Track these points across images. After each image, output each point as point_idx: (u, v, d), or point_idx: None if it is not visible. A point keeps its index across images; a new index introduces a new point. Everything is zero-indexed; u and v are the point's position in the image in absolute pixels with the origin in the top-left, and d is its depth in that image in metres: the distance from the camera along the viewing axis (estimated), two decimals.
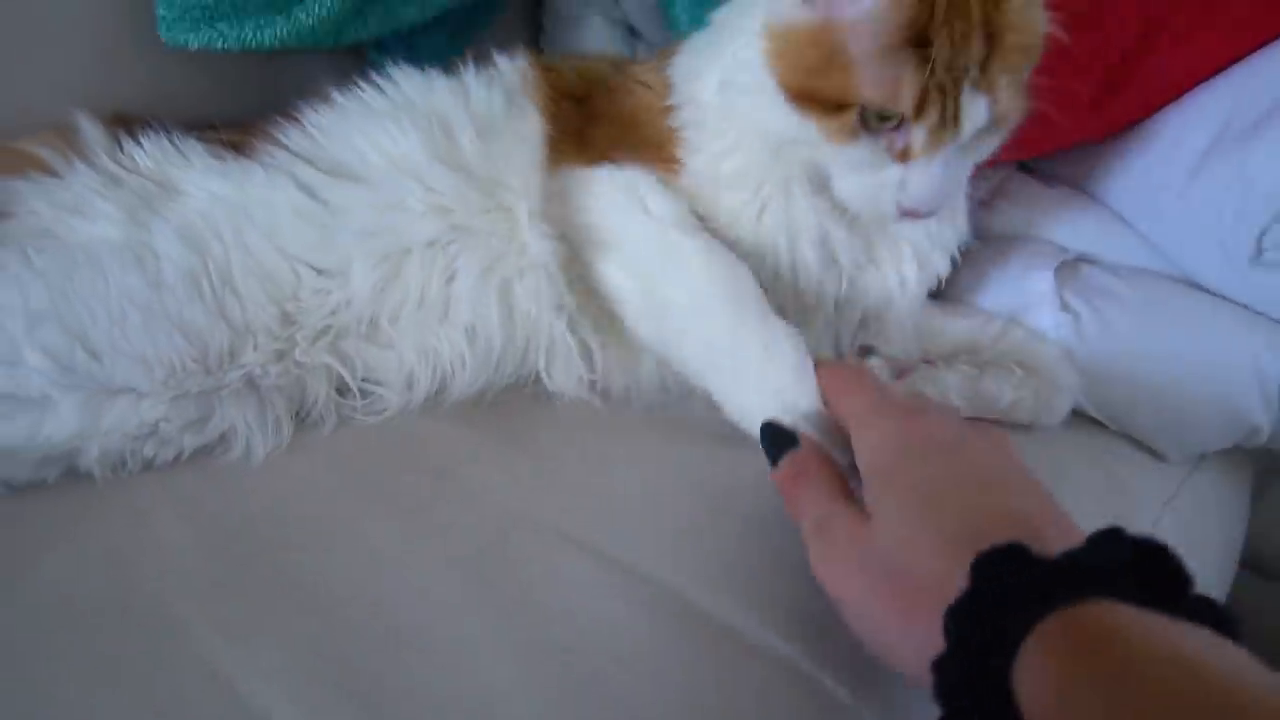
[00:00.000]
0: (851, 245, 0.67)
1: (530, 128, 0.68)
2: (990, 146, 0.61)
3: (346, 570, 0.51)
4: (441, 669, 0.45)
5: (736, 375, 0.60)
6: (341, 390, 0.65)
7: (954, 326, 0.72)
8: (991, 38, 0.56)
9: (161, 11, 0.71)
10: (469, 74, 0.71)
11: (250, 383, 0.61)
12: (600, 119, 0.69)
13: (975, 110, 0.57)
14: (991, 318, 0.73)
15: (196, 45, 0.71)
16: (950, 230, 0.70)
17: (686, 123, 0.66)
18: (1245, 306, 0.73)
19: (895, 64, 0.55)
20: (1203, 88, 0.75)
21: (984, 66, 0.56)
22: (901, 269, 0.69)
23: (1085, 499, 0.67)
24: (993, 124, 0.59)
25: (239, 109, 0.77)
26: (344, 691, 0.44)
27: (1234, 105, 0.72)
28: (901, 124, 0.57)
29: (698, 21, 0.91)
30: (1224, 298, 0.74)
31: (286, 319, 0.62)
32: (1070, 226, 0.79)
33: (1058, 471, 0.67)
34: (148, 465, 0.59)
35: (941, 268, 0.71)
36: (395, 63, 0.85)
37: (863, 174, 0.60)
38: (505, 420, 0.65)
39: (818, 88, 0.58)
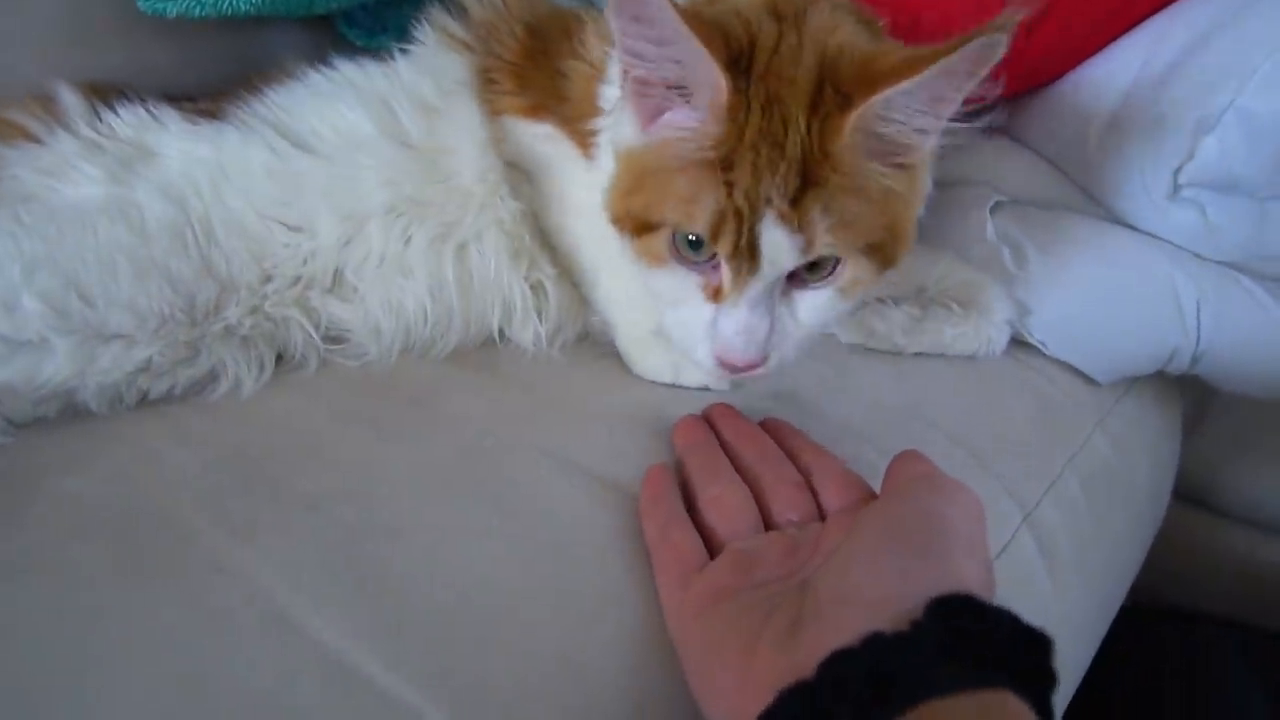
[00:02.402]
0: None
1: (466, 104, 0.70)
2: (824, 309, 0.57)
3: (336, 477, 0.55)
4: (429, 556, 0.50)
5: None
6: (323, 337, 0.68)
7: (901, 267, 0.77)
8: (808, 175, 0.52)
9: None
10: (398, 58, 0.73)
11: (229, 330, 0.65)
12: (547, 61, 0.71)
13: (775, 244, 0.52)
14: (936, 258, 0.78)
15: (175, 13, 0.74)
16: None
17: (603, 132, 0.65)
18: (1164, 240, 0.79)
19: (696, 184, 0.53)
20: (1120, 41, 0.81)
21: (795, 201, 0.52)
22: None
23: (1020, 420, 0.73)
24: (830, 260, 0.55)
25: (214, 79, 0.80)
26: (343, 577, 0.48)
27: (1150, 51, 0.78)
28: (715, 257, 0.55)
29: None
30: (1145, 232, 0.80)
31: (264, 275, 0.66)
32: (1006, 171, 0.85)
33: (994, 395, 0.74)
34: (143, 398, 0.62)
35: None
36: (366, 34, 0.90)
37: (679, 310, 0.58)
38: (478, 358, 0.70)
39: (630, 208, 0.57)
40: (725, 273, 0.54)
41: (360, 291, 0.68)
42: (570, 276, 0.71)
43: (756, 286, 0.54)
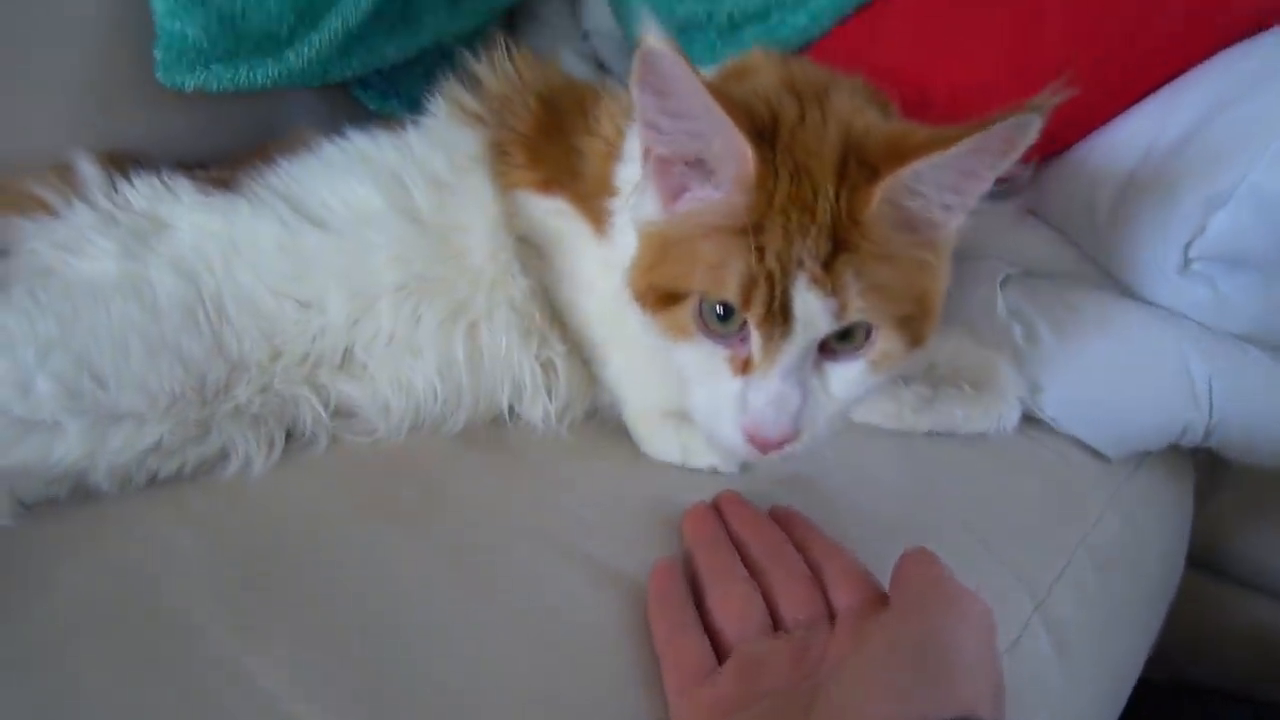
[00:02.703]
0: None
1: (479, 180, 0.70)
2: (856, 381, 0.55)
3: (347, 572, 0.55)
4: (435, 658, 0.50)
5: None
6: (332, 413, 0.68)
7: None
8: (839, 240, 0.51)
9: (159, 55, 0.74)
10: (410, 130, 0.74)
11: (239, 408, 0.65)
12: (561, 136, 0.71)
13: (809, 307, 0.51)
14: (946, 334, 0.78)
15: (192, 86, 0.75)
16: None
17: (618, 212, 0.65)
18: (1175, 313, 0.79)
19: (724, 249, 0.52)
20: (1131, 111, 0.81)
21: (827, 265, 0.51)
22: None
23: (1032, 500, 0.73)
24: (862, 330, 0.54)
25: (230, 145, 0.81)
26: (349, 684, 0.48)
27: (1160, 122, 0.78)
28: (744, 328, 0.54)
29: None
30: (1156, 305, 0.80)
31: (275, 352, 0.66)
32: (1015, 242, 0.85)
33: (1005, 476, 0.73)
34: (153, 478, 0.62)
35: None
36: (379, 97, 0.90)
37: (704, 386, 0.56)
38: (487, 436, 0.70)
39: (654, 281, 0.56)
40: (755, 341, 0.53)
41: (370, 370, 0.68)
42: (580, 354, 0.72)
43: (790, 354, 0.53)
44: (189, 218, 0.68)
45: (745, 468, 0.67)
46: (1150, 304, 0.80)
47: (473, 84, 0.76)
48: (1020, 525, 0.69)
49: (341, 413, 0.68)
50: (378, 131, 0.74)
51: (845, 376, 0.56)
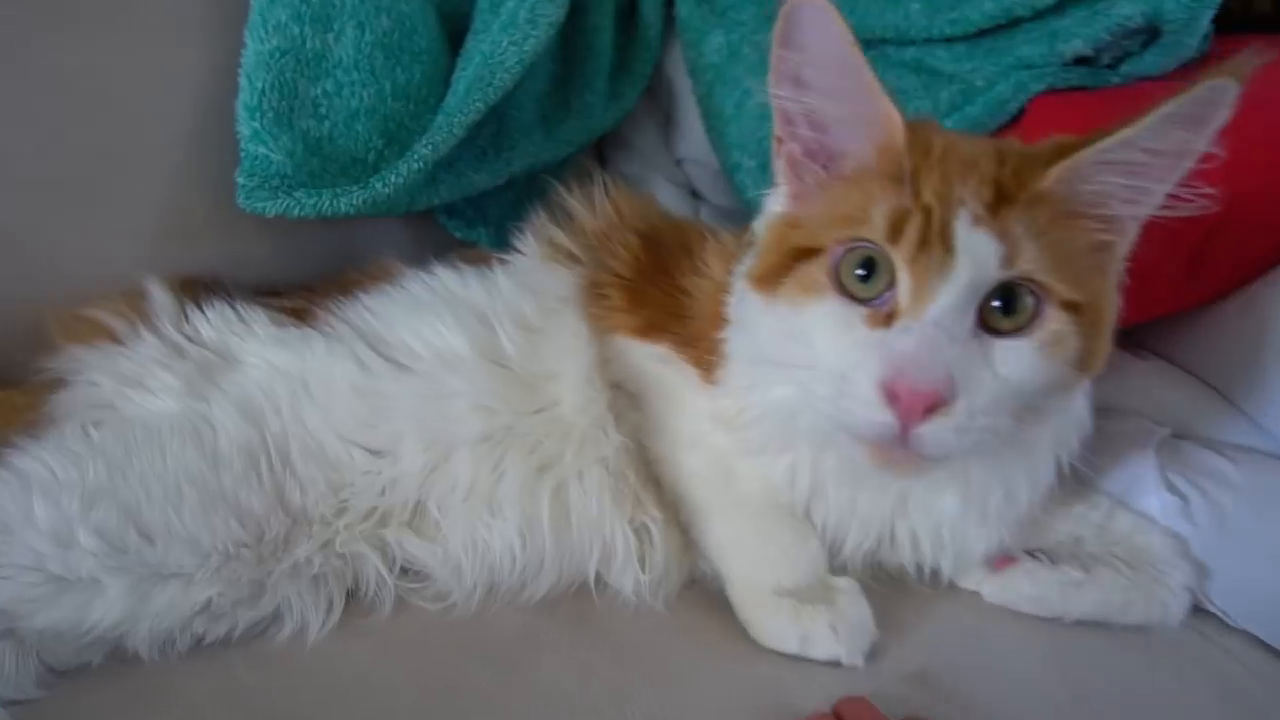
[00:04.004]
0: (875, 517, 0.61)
1: (571, 324, 0.66)
2: (1028, 363, 0.49)
3: None
4: None
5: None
6: (396, 574, 0.61)
7: (1054, 514, 0.67)
8: (1004, 191, 0.49)
9: (241, 180, 0.71)
10: (497, 271, 0.69)
11: (297, 567, 0.58)
12: (664, 277, 0.66)
13: (975, 245, 0.47)
14: (1095, 501, 0.68)
15: (274, 213, 0.71)
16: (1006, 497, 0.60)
17: (728, 359, 0.61)
18: None
19: (867, 194, 0.50)
20: None
21: (993, 209, 0.48)
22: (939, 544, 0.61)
23: (1204, 713, 0.61)
24: (1029, 306, 0.49)
25: (310, 270, 0.77)
26: None
27: None
28: (888, 289, 0.49)
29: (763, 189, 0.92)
30: None
31: (340, 507, 0.60)
32: (1165, 401, 0.75)
33: (1170, 682, 0.62)
34: (198, 642, 0.56)
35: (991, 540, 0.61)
36: (465, 225, 0.86)
37: (833, 347, 0.50)
38: (570, 608, 0.62)
39: (784, 249, 0.53)
40: (904, 286, 0.48)
41: (442, 528, 0.61)
42: (678, 518, 0.64)
43: (947, 296, 0.47)
44: (259, 353, 0.63)
45: (870, 659, 0.58)
46: None
47: (565, 219, 0.72)
48: None
49: (409, 575, 0.61)
50: (466, 269, 0.69)
51: (1012, 355, 0.49)
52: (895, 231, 0.48)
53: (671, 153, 1.03)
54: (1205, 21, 0.82)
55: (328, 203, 0.72)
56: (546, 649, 0.57)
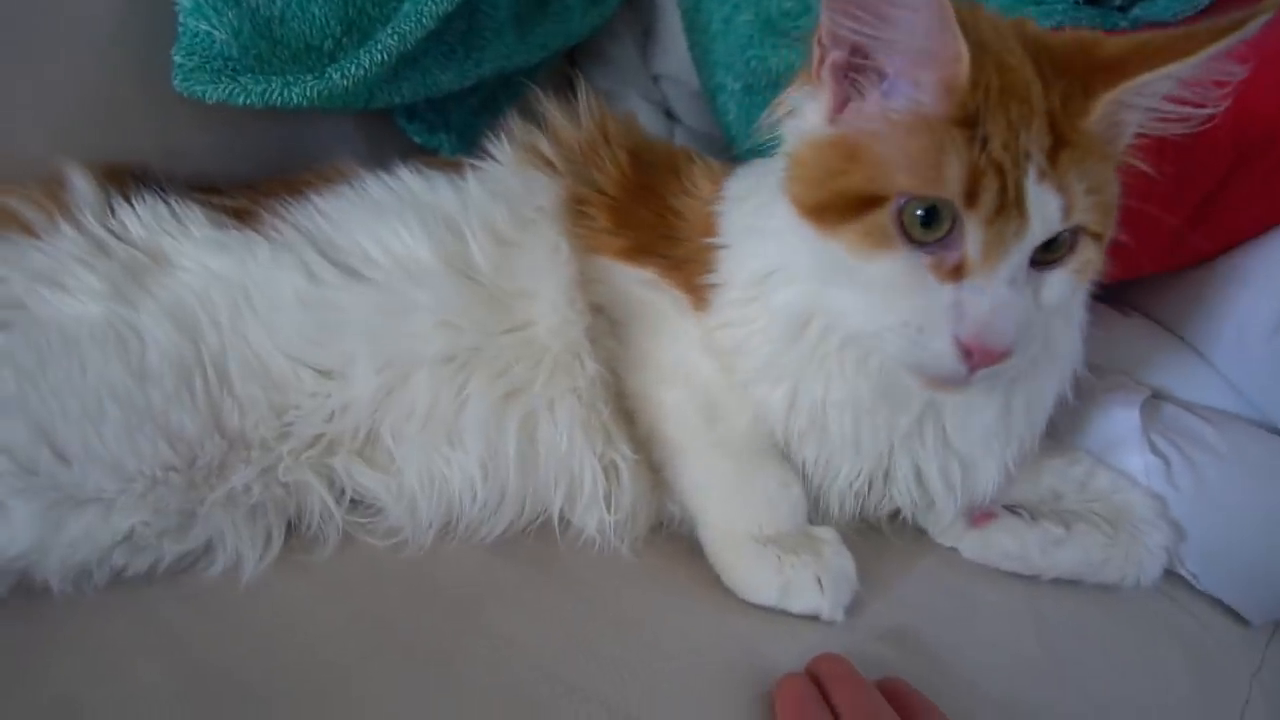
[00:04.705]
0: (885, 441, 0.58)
1: (550, 239, 0.60)
2: (1064, 289, 0.51)
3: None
4: None
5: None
6: (344, 506, 0.56)
7: (1036, 469, 0.65)
8: (1059, 136, 0.48)
9: (179, 59, 0.63)
10: (469, 176, 0.63)
11: (233, 496, 0.53)
12: (652, 201, 0.62)
13: (1045, 203, 0.48)
14: (1076, 457, 0.67)
15: (215, 99, 0.64)
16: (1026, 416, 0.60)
17: (722, 281, 0.58)
18: None
19: (937, 144, 0.47)
20: None
21: (1052, 159, 0.48)
22: (948, 477, 0.59)
23: (1171, 677, 0.60)
24: (1066, 239, 0.50)
25: (254, 166, 0.70)
26: None
27: None
28: (951, 233, 0.48)
29: (747, 119, 0.87)
30: None
31: (283, 431, 0.54)
32: (1149, 360, 0.73)
33: (1145, 648, 0.61)
34: (117, 576, 0.50)
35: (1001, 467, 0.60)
36: (427, 130, 0.80)
37: (907, 298, 0.50)
38: (531, 549, 0.57)
39: (841, 188, 0.50)
40: (976, 242, 0.48)
41: (396, 458, 0.56)
42: (649, 457, 0.60)
43: (1019, 254, 0.48)
44: (196, 256, 0.57)
45: (850, 613, 0.55)
46: None
47: (544, 127, 0.66)
48: (1157, 708, 0.57)
49: (358, 508, 0.56)
50: (433, 173, 0.63)
51: (1053, 285, 0.51)
52: (971, 193, 0.47)
53: (649, 68, 0.97)
54: None
55: (277, 91, 0.64)
56: (502, 593, 0.53)
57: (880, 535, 0.62)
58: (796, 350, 0.56)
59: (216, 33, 0.64)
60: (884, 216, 0.49)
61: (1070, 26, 0.78)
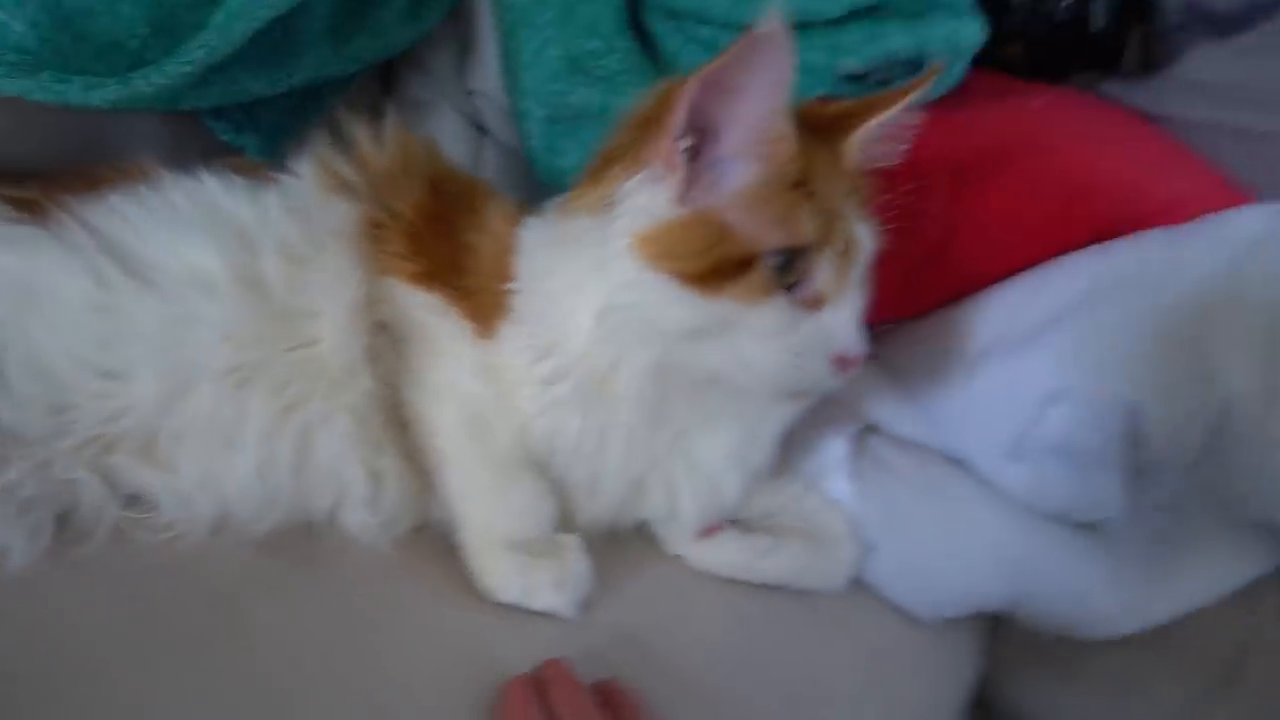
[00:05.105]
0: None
1: (342, 260, 0.65)
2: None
3: (107, 708, 0.48)
4: None
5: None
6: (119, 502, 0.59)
7: (759, 489, 0.75)
8: (853, 181, 0.64)
9: None
10: (271, 191, 0.67)
11: (4, 492, 0.55)
12: (447, 231, 0.68)
13: (864, 235, 0.63)
14: (791, 479, 0.78)
15: (9, 93, 0.64)
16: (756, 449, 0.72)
17: (517, 322, 0.65)
18: (1000, 490, 0.82)
19: (787, 205, 0.60)
20: (996, 288, 0.85)
21: (854, 198, 0.64)
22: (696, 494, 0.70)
23: (845, 669, 0.73)
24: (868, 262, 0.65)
25: (47, 156, 0.71)
26: None
27: (1015, 312, 0.82)
28: (810, 272, 0.60)
29: (548, 146, 0.94)
30: (983, 479, 0.83)
31: (60, 429, 0.57)
32: (867, 396, 0.86)
33: (826, 641, 0.73)
34: None
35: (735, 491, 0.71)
36: (233, 129, 0.82)
37: (785, 337, 0.61)
38: (296, 546, 0.62)
39: (720, 257, 0.59)
40: (827, 274, 0.61)
41: (174, 460, 0.60)
42: (417, 464, 0.66)
43: (856, 275, 0.63)
44: None
45: (582, 610, 0.64)
46: (974, 476, 0.83)
47: (348, 148, 0.70)
48: (839, 696, 0.70)
49: (132, 503, 0.60)
50: (237, 183, 0.66)
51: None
52: (822, 238, 0.60)
53: (464, 82, 1.01)
54: (963, 66, 0.92)
55: (77, 92, 0.66)
56: (266, 587, 0.58)
57: (619, 540, 0.71)
58: (590, 391, 0.64)
59: (13, 23, 0.65)
60: (759, 271, 0.59)
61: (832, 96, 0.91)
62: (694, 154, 0.60)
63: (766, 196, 0.60)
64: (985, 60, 1.02)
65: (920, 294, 0.86)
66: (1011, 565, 0.80)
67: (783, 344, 0.61)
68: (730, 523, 0.74)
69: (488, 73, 0.99)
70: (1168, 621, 0.85)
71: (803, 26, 0.91)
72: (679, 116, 0.58)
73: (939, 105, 0.92)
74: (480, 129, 1.03)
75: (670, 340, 0.61)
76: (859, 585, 0.79)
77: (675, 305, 0.60)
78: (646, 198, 0.61)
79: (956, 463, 0.84)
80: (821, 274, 0.61)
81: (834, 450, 0.79)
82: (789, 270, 0.60)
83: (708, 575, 0.73)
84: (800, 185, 0.60)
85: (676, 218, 0.60)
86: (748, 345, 0.61)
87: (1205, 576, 0.86)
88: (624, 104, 0.91)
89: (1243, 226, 0.79)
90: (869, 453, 0.81)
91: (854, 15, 0.92)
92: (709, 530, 0.73)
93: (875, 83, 0.92)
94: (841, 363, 0.62)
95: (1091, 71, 1.14)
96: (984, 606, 0.83)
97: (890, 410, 0.85)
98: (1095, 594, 0.83)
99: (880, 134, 0.67)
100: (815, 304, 0.61)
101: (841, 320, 0.62)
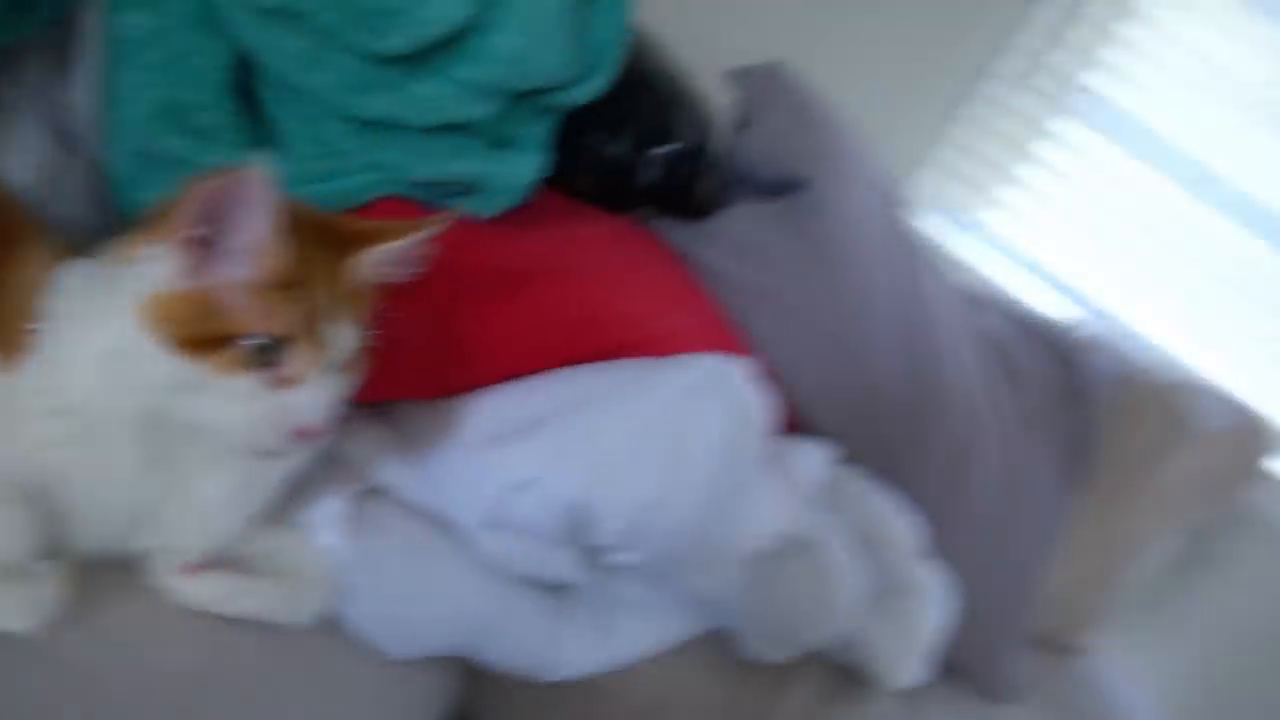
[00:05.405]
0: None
1: None
2: (349, 388, 0.77)
3: None
4: None
5: None
6: None
7: (252, 534, 0.85)
8: (341, 284, 0.74)
9: None
10: None
11: None
12: None
13: (340, 335, 0.73)
14: (284, 526, 0.89)
15: None
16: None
17: (41, 359, 0.71)
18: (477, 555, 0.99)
19: (274, 299, 0.69)
20: (504, 386, 1.03)
21: (340, 304, 0.73)
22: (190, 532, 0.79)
23: (329, 699, 0.87)
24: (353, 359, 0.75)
25: None
26: None
27: (514, 407, 1.01)
28: (282, 356, 0.70)
29: (128, 177, 0.98)
30: (467, 544, 0.99)
31: None
32: (380, 459, 1.00)
33: (307, 678, 0.86)
34: None
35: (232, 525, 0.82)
36: None
37: (250, 405, 0.70)
38: None
39: (208, 330, 0.68)
40: (299, 363, 0.71)
41: None
42: None
43: (326, 370, 0.73)
44: None
45: (40, 626, 0.70)
46: (459, 539, 0.99)
47: None
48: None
49: None
50: None
51: (345, 386, 0.77)
52: (297, 332, 0.70)
53: (60, 94, 1.02)
54: (517, 196, 1.09)
55: None
56: None
57: (117, 568, 0.78)
58: (94, 428, 0.71)
59: None
60: (238, 349, 0.69)
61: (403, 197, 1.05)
62: (204, 241, 0.68)
63: (256, 291, 0.69)
64: (563, 183, 1.22)
65: (446, 381, 1.01)
66: (469, 616, 0.98)
67: (246, 411, 0.70)
68: (218, 561, 0.84)
69: (83, 91, 1.01)
70: (608, 670, 1.07)
71: (390, 127, 1.05)
72: (187, 210, 0.68)
73: (501, 217, 1.10)
74: (63, 139, 1.03)
75: (156, 392, 0.71)
76: (334, 625, 0.91)
77: (163, 363, 0.69)
78: (160, 266, 0.69)
79: (447, 526, 1.00)
80: (293, 361, 0.70)
81: (330, 506, 0.92)
82: (267, 352, 0.70)
83: (190, 607, 0.81)
84: (291, 286, 0.70)
85: (179, 290, 0.69)
86: (219, 406, 0.70)
87: (642, 634, 1.10)
88: (213, 160, 0.99)
89: (691, 371, 1.03)
90: (366, 511, 0.95)
91: (445, 128, 1.06)
92: (193, 567, 0.82)
93: (446, 192, 1.07)
94: (301, 434, 0.73)
95: (650, 208, 1.38)
96: (446, 649, 1.00)
97: (396, 474, 1.00)
98: (542, 644, 1.03)
99: (393, 256, 0.79)
100: (285, 384, 0.71)
101: (303, 400, 0.72)
